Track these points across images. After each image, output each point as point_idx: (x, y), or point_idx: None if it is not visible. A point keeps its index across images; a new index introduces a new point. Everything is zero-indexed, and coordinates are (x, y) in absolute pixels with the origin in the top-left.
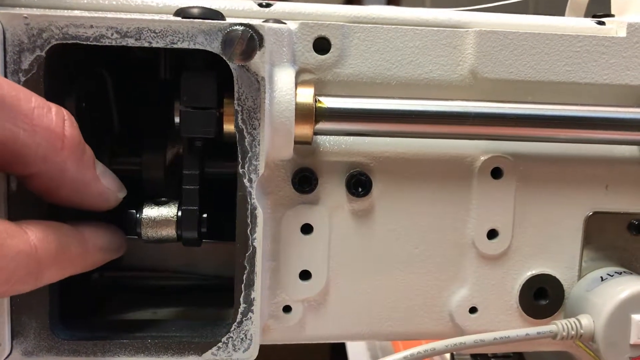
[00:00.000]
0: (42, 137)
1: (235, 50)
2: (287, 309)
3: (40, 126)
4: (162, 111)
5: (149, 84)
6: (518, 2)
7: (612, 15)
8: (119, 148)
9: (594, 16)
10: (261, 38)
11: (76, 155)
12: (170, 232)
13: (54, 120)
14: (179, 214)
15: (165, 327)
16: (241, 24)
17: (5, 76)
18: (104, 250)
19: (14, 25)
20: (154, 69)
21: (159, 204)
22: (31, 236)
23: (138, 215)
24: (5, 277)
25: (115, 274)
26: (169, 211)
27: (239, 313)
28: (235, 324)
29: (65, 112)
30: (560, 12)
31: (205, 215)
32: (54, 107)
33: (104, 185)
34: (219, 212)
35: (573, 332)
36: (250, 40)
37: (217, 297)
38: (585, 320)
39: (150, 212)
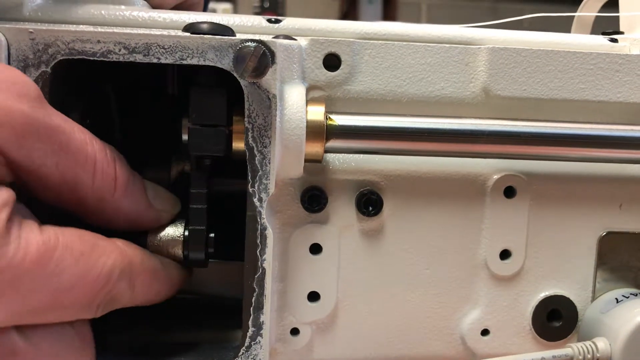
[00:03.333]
0: (99, 182)
1: (247, 67)
2: (294, 331)
3: (99, 173)
4: (167, 128)
5: (155, 99)
6: (513, 20)
7: (622, 33)
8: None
9: (603, 33)
10: (273, 54)
11: (128, 192)
12: (177, 251)
13: (109, 162)
14: (186, 233)
15: (170, 350)
16: (253, 40)
17: None
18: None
19: (19, 40)
20: (160, 84)
21: (162, 228)
22: (118, 243)
23: (143, 236)
24: (102, 288)
25: None
26: (176, 230)
27: (248, 337)
28: (244, 348)
29: (112, 150)
30: (555, 31)
31: (212, 235)
32: (107, 149)
33: (157, 210)
34: (225, 230)
35: (589, 356)
36: (262, 57)
37: (222, 318)
38: (602, 344)
39: (156, 231)
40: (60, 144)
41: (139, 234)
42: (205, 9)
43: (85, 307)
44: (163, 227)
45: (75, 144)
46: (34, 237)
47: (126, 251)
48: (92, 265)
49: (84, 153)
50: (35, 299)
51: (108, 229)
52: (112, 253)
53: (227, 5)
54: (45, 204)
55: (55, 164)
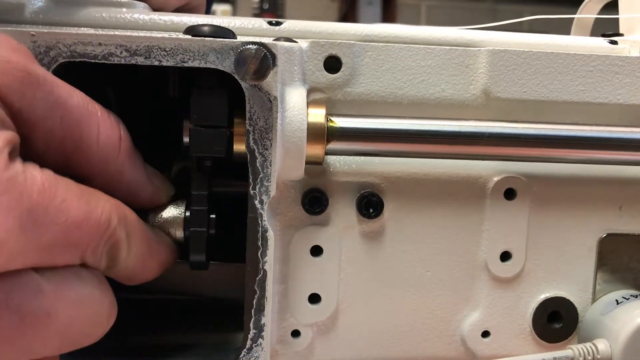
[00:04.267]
0: (104, 140)
1: (249, 69)
2: (295, 333)
3: (103, 131)
4: (168, 130)
5: (156, 102)
6: (513, 22)
7: (621, 35)
8: None
9: (603, 35)
10: (274, 57)
11: (131, 157)
12: (178, 233)
13: (113, 122)
14: (187, 214)
15: (171, 352)
16: (254, 43)
17: None
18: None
19: (21, 43)
20: (161, 86)
21: (166, 205)
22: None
23: (145, 215)
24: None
25: (117, 296)
26: (177, 210)
27: (249, 339)
28: (245, 350)
29: (116, 116)
30: (554, 33)
31: (213, 216)
32: (111, 114)
33: (155, 185)
34: (226, 232)
35: (590, 358)
36: (263, 59)
37: (223, 320)
38: (602, 345)
39: (157, 210)
40: (62, 98)
41: (140, 212)
42: (208, 12)
43: (93, 250)
44: (165, 206)
45: (77, 99)
46: (37, 173)
47: (121, 204)
48: (94, 206)
49: (87, 109)
50: (49, 233)
51: None
52: (109, 200)
53: (227, 7)
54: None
55: (59, 117)
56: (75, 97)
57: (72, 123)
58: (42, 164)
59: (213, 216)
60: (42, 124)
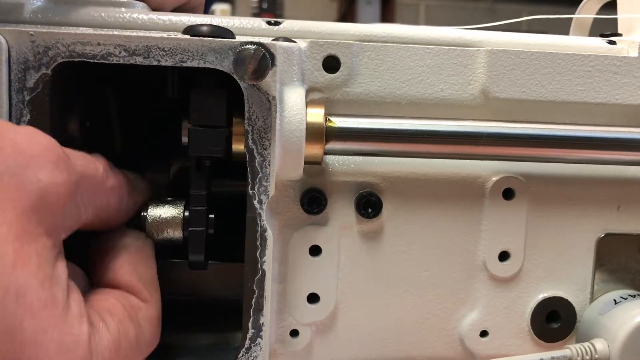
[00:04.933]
0: (119, 202)
1: (247, 69)
2: (294, 333)
3: (124, 196)
4: (167, 130)
5: (154, 101)
6: (512, 22)
7: (620, 35)
8: (122, 167)
9: (601, 35)
10: (273, 57)
11: (116, 184)
12: (176, 233)
13: (124, 182)
14: (186, 213)
15: (169, 352)
16: (253, 43)
17: (10, 95)
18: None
19: (20, 43)
20: (160, 86)
21: (165, 202)
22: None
23: (144, 213)
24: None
25: None
26: (176, 209)
27: (247, 339)
28: (244, 350)
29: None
30: (553, 33)
31: (212, 216)
32: (108, 164)
33: (141, 187)
34: (225, 232)
35: (588, 357)
36: (262, 59)
37: (222, 320)
38: (600, 345)
39: (156, 210)
40: (91, 190)
41: (137, 215)
42: (206, 11)
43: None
44: (163, 206)
45: (98, 182)
46: (105, 335)
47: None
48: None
49: (104, 187)
50: None
51: None
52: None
53: (226, 6)
54: None
55: (90, 209)
56: (97, 181)
57: (99, 208)
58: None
59: (212, 216)
60: (78, 221)
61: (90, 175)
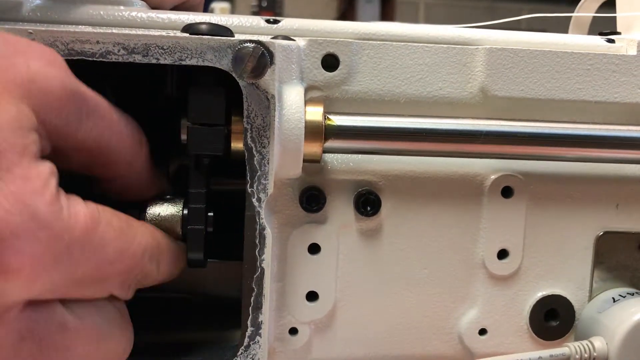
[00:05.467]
0: (130, 145)
1: (246, 67)
2: (293, 331)
3: (127, 136)
4: (166, 129)
5: (153, 100)
6: (511, 21)
7: (619, 33)
8: None
9: (600, 34)
10: (272, 55)
11: (149, 158)
12: (175, 228)
13: (136, 128)
14: (185, 211)
15: (168, 350)
16: (251, 41)
17: None
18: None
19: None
20: (158, 84)
21: (164, 201)
22: (147, 225)
23: (143, 212)
24: (137, 264)
25: None
26: (175, 208)
27: (246, 337)
28: (243, 347)
29: (134, 120)
30: (552, 31)
31: (211, 214)
32: (131, 118)
33: (162, 180)
34: (224, 230)
35: (586, 355)
36: (261, 58)
37: (221, 318)
38: (598, 343)
39: (155, 208)
40: (91, 108)
41: (139, 210)
42: (206, 10)
43: (121, 284)
44: (162, 204)
45: (104, 108)
46: (80, 208)
47: (155, 233)
48: (130, 243)
49: (111, 117)
50: (82, 269)
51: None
52: (145, 233)
53: (225, 5)
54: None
55: (89, 129)
56: (102, 106)
57: (101, 131)
58: (69, 168)
59: (211, 214)
60: (74, 135)
61: (91, 97)
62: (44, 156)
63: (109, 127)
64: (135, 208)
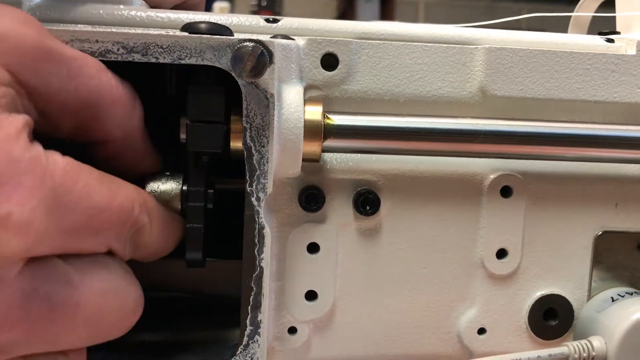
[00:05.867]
0: (121, 107)
1: (246, 66)
2: (292, 330)
3: (118, 98)
4: (165, 128)
5: (152, 99)
6: (510, 20)
7: (618, 33)
8: None
9: (599, 33)
10: (271, 54)
11: (143, 124)
12: (175, 203)
13: (128, 91)
14: (184, 188)
15: (167, 349)
16: (251, 40)
17: None
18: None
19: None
20: (156, 82)
21: (163, 176)
22: (130, 183)
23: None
24: (128, 214)
25: None
26: (174, 182)
27: (245, 336)
28: (242, 347)
29: (127, 83)
30: (551, 31)
31: (211, 191)
32: (123, 81)
33: (156, 154)
34: (223, 229)
35: (585, 355)
36: (260, 57)
37: (220, 317)
38: (597, 342)
39: (154, 182)
40: (75, 69)
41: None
42: (208, 9)
43: (117, 237)
44: (161, 177)
45: (91, 69)
46: (58, 157)
47: (140, 190)
48: (116, 193)
49: (100, 78)
50: (72, 217)
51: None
52: (129, 187)
53: (225, 4)
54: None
55: (73, 89)
56: (89, 66)
57: (88, 93)
58: (58, 133)
59: (210, 206)
60: (56, 97)
61: (74, 57)
62: (34, 125)
63: (98, 87)
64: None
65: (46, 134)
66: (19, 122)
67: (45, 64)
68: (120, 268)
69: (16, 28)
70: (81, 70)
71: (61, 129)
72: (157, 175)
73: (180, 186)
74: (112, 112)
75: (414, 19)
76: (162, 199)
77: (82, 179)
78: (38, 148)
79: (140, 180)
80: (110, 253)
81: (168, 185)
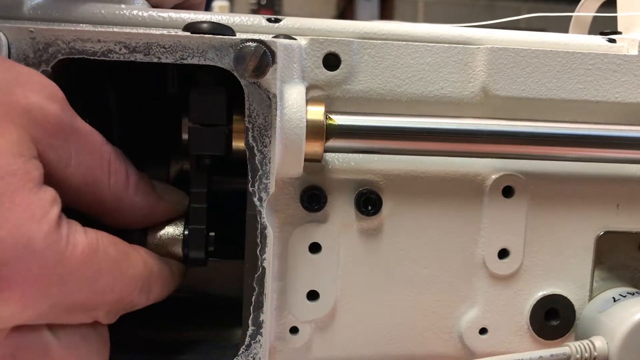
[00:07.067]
0: (115, 181)
1: (248, 66)
2: (294, 330)
3: (113, 172)
4: (167, 128)
5: (155, 99)
6: (511, 20)
7: (620, 33)
8: None
9: (601, 33)
10: (273, 54)
11: (140, 188)
12: (176, 250)
13: (121, 162)
14: (186, 232)
15: (170, 349)
16: (253, 40)
17: None
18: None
19: (20, 40)
20: (160, 84)
21: (165, 223)
22: (142, 253)
23: (144, 236)
24: (127, 296)
25: None
26: (175, 229)
27: (247, 336)
28: (244, 347)
29: (120, 151)
30: (552, 31)
31: (212, 234)
32: (118, 150)
33: (168, 201)
34: (225, 229)
35: (587, 355)
36: (263, 57)
37: (222, 317)
38: (599, 343)
39: (156, 232)
40: (82, 145)
41: (140, 233)
42: (207, 8)
43: (108, 312)
44: (163, 226)
45: (94, 145)
46: (80, 237)
47: (148, 261)
48: (123, 274)
49: (100, 153)
50: (73, 298)
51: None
52: (138, 264)
53: (224, 2)
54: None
55: (77, 165)
56: (93, 142)
57: (88, 169)
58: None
59: (212, 234)
60: (64, 171)
61: (85, 132)
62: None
63: (97, 165)
64: (137, 232)
65: None
66: (47, 199)
67: (61, 140)
68: (98, 339)
69: (43, 102)
70: (86, 145)
71: (65, 200)
72: (158, 224)
73: (182, 231)
74: (108, 187)
75: (414, 18)
76: (164, 248)
77: (96, 262)
78: (62, 230)
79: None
80: (95, 322)
81: (168, 232)
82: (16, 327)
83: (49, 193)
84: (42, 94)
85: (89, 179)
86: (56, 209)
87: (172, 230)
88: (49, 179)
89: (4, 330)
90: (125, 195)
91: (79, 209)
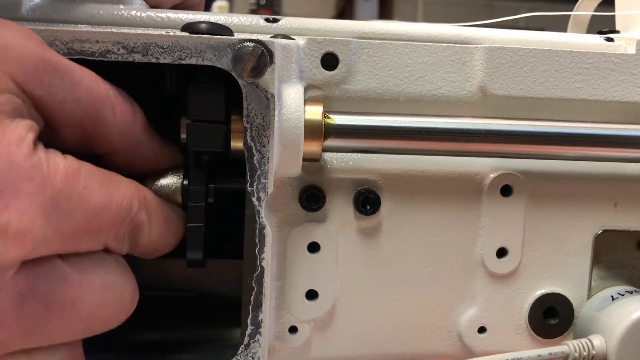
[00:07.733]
0: (121, 115)
1: (246, 66)
2: (293, 329)
3: (118, 107)
4: (165, 128)
5: (153, 99)
6: (509, 19)
7: (618, 32)
8: None
9: (599, 32)
10: (271, 54)
11: (147, 128)
12: (176, 197)
13: (124, 97)
14: (185, 182)
15: (168, 348)
16: (251, 40)
17: None
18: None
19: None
20: (158, 82)
21: (164, 171)
22: (132, 180)
23: (142, 181)
24: (127, 214)
25: None
26: (174, 178)
27: (246, 335)
28: (243, 346)
29: (125, 92)
30: (551, 30)
31: (212, 186)
32: (121, 90)
33: (172, 151)
34: (224, 228)
35: (585, 353)
36: (261, 57)
37: (221, 316)
38: (597, 341)
39: (154, 178)
40: (76, 80)
41: (138, 180)
42: (207, 9)
43: (115, 235)
44: (162, 174)
45: (89, 78)
46: (59, 159)
47: (140, 186)
48: (115, 192)
49: (99, 88)
50: (71, 220)
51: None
52: (129, 185)
53: (224, 2)
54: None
55: (76, 99)
56: (87, 78)
57: (89, 103)
58: (64, 146)
59: (211, 200)
60: (61, 107)
61: (74, 69)
62: (41, 138)
63: (98, 97)
64: (135, 179)
65: (53, 147)
66: (22, 127)
67: (48, 75)
68: (116, 263)
69: (19, 40)
70: (81, 81)
71: (67, 141)
72: (157, 171)
73: (180, 180)
74: (113, 122)
75: (413, 18)
76: (162, 193)
77: (82, 181)
78: (40, 154)
79: (141, 176)
80: (107, 249)
81: (168, 180)
82: (26, 263)
83: (25, 122)
84: (19, 33)
85: (91, 113)
86: (31, 135)
87: (170, 179)
88: (46, 115)
89: (13, 265)
90: (133, 131)
91: (87, 148)
